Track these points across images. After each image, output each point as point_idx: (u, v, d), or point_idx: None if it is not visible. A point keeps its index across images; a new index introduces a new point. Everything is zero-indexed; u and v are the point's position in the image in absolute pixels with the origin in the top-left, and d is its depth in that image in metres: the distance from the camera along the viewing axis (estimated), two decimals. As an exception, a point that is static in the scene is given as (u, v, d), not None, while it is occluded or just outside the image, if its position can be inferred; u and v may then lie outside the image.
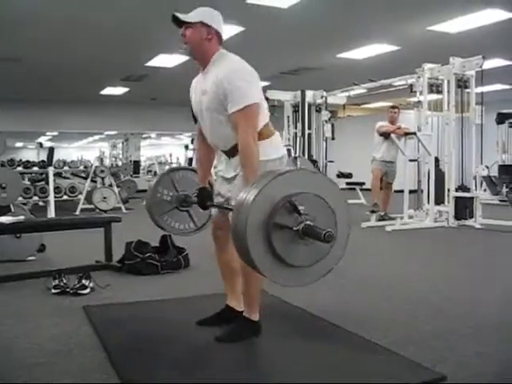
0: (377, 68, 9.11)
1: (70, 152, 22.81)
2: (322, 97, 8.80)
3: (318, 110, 9.02)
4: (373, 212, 6.99)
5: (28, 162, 8.43)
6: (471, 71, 6.78)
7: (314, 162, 8.52)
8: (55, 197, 7.92)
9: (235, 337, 2.42)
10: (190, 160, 14.53)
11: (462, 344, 2.41)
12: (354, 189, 10.41)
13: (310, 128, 9.02)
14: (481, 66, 6.55)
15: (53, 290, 3.36)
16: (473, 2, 6.15)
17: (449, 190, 6.82)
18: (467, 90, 6.89)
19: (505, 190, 6.46)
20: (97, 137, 21.66)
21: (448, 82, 6.80)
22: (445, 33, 7.36)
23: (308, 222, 1.81)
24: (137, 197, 10.48)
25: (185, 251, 4.22)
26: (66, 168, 8.96)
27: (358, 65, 9.31)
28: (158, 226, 2.79)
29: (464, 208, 6.72)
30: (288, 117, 9.37)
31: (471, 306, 3.09)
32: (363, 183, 10.39)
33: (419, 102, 6.92)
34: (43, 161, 8.51)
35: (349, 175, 11.02)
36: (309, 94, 8.94)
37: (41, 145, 17.64)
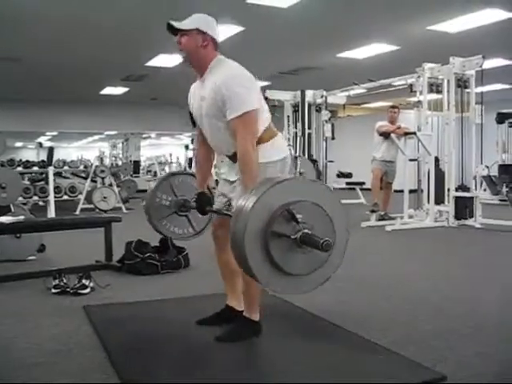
0: (377, 68, 9.11)
1: (69, 152, 22.76)
2: (321, 96, 8.81)
3: (318, 110, 9.04)
4: (373, 212, 6.99)
5: (28, 161, 8.45)
6: (471, 71, 6.78)
7: (314, 162, 8.53)
8: (55, 197, 7.91)
9: (235, 337, 2.42)
10: (190, 160, 14.54)
11: (462, 344, 2.41)
12: (354, 188, 10.41)
13: (310, 128, 9.03)
14: (481, 66, 6.56)
15: (53, 290, 3.36)
16: (473, 1, 6.16)
17: (449, 190, 6.82)
18: (467, 90, 6.89)
19: (505, 189, 6.47)
20: (97, 137, 21.64)
21: (448, 81, 6.80)
22: (445, 32, 7.36)
23: (306, 231, 1.82)
24: (137, 197, 10.47)
25: (185, 251, 4.22)
26: (65, 168, 8.97)
27: (357, 64, 9.30)
28: (157, 230, 2.79)
29: (464, 208, 6.72)
30: (288, 117, 9.38)
31: (471, 305, 3.09)
32: (363, 183, 10.39)
33: (419, 101, 6.92)
34: (43, 161, 8.52)
35: (349, 175, 11.03)
36: (309, 93, 8.96)
37: (40, 145, 17.66)
